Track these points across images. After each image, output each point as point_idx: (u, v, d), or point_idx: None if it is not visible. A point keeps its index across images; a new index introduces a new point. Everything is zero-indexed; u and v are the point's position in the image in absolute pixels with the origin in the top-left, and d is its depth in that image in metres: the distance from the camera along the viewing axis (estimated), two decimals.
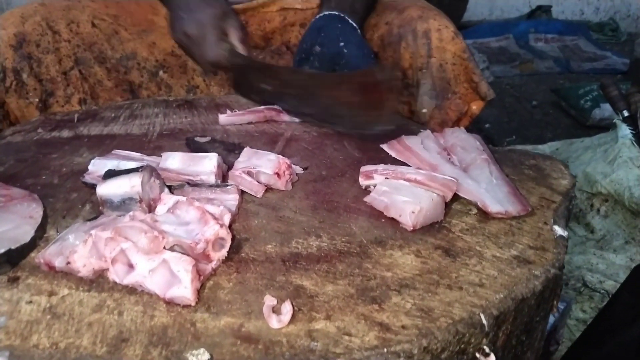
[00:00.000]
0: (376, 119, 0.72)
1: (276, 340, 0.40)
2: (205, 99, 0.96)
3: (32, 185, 0.62)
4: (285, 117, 0.82)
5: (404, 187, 0.57)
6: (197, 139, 0.75)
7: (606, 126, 1.90)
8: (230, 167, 0.63)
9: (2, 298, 0.44)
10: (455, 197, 0.59)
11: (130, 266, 0.45)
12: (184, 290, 0.42)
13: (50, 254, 0.47)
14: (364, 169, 0.61)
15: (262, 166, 0.61)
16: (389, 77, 0.72)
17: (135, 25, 1.01)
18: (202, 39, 0.88)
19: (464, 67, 0.89)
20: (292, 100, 0.82)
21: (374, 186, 0.59)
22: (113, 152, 0.67)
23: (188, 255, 0.45)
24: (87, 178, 0.61)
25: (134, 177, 0.51)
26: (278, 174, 0.60)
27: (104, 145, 0.73)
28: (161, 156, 0.63)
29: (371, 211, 0.57)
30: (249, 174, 0.60)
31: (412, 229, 0.53)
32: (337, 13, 0.87)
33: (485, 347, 0.44)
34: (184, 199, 0.51)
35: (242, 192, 0.59)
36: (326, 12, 0.88)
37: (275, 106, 0.82)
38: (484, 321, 0.43)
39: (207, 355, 0.38)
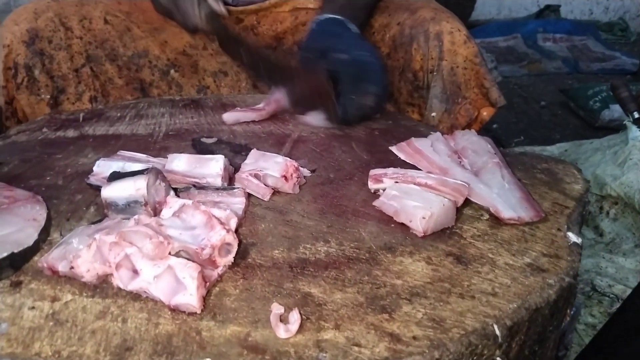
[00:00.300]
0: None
1: (283, 350, 0.39)
2: (211, 98, 0.95)
3: (36, 186, 0.62)
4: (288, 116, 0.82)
5: (414, 192, 0.56)
6: (204, 139, 0.74)
7: (615, 127, 1.88)
8: (237, 169, 0.62)
9: (4, 303, 0.43)
10: (467, 202, 0.57)
11: (135, 272, 0.44)
12: (190, 297, 0.41)
13: (54, 258, 0.46)
14: (373, 172, 0.60)
15: (269, 169, 0.59)
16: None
17: (147, 22, 1.00)
18: (180, 4, 0.89)
19: (475, 71, 0.88)
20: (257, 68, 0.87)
21: (383, 190, 0.58)
22: (118, 153, 0.66)
23: (194, 261, 0.44)
24: (92, 179, 0.60)
25: (139, 180, 0.50)
26: (285, 177, 0.59)
27: (109, 145, 0.73)
28: (167, 157, 0.62)
29: (380, 216, 0.56)
30: (256, 176, 0.59)
31: (422, 234, 0.52)
32: (339, 17, 0.84)
33: (498, 358, 0.43)
34: (190, 202, 0.50)
35: (249, 195, 0.58)
36: (329, 16, 0.85)
37: (277, 98, 0.83)
38: (497, 332, 0.42)
39: None
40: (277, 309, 0.42)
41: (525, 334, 0.45)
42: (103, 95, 0.95)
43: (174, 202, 0.51)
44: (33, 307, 0.43)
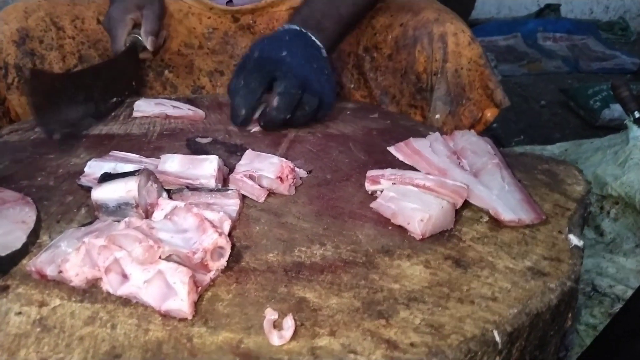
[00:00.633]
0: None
1: (277, 358, 0.38)
2: (207, 98, 0.93)
3: (27, 187, 0.60)
4: None
5: (412, 193, 0.54)
6: (198, 139, 0.73)
7: (616, 127, 1.87)
8: (231, 169, 0.61)
9: None
10: (466, 204, 0.56)
11: (125, 276, 0.43)
12: (180, 303, 0.40)
13: (42, 261, 0.45)
14: (370, 173, 0.59)
15: (264, 170, 0.58)
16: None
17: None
18: (110, 31, 0.91)
19: (480, 73, 0.87)
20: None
21: (381, 191, 0.57)
22: (110, 153, 0.65)
23: (185, 265, 0.42)
24: (83, 180, 0.59)
25: (130, 181, 0.49)
26: (281, 178, 0.58)
27: (102, 145, 0.71)
28: (160, 158, 0.61)
29: (377, 218, 0.55)
30: (251, 177, 0.58)
31: (420, 237, 0.51)
32: (299, 29, 0.79)
33: None
34: (182, 204, 0.48)
35: (244, 197, 0.57)
36: (287, 27, 0.80)
37: None
38: (497, 338, 0.41)
39: None
40: (270, 314, 0.41)
41: (525, 339, 0.44)
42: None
43: (165, 204, 0.49)
44: (20, 313, 0.42)
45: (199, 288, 0.43)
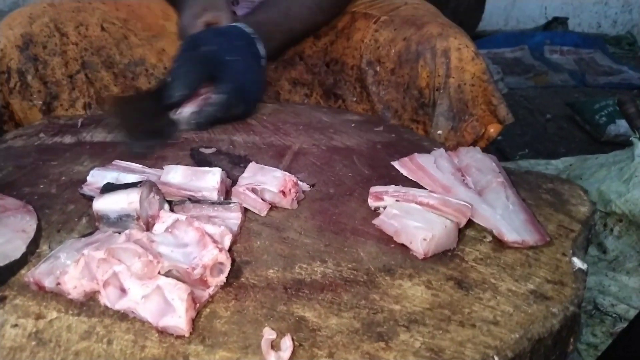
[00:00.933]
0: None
1: None
2: None
3: (29, 194, 0.60)
4: None
5: (415, 211, 0.54)
6: (202, 150, 0.73)
7: (621, 142, 1.86)
8: (234, 181, 0.60)
9: None
10: (469, 223, 0.56)
11: (123, 290, 0.42)
12: (178, 320, 0.40)
13: (41, 273, 0.45)
14: (373, 189, 0.58)
15: (267, 183, 0.58)
16: None
17: (145, 30, 0.99)
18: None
19: (483, 88, 0.86)
20: None
21: (384, 208, 0.57)
22: (114, 162, 0.64)
23: (184, 280, 0.42)
24: (86, 189, 0.59)
25: (132, 193, 0.49)
26: (283, 192, 0.57)
27: (105, 153, 0.71)
28: (163, 168, 0.61)
29: (380, 235, 0.54)
30: (254, 191, 0.58)
31: (423, 257, 0.51)
32: (250, 35, 0.83)
33: None
34: (184, 218, 0.48)
35: (246, 210, 0.57)
36: (241, 26, 0.83)
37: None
38: None
39: None
40: (269, 334, 0.40)
41: None
42: (97, 103, 0.94)
43: (167, 217, 0.49)
44: (16, 325, 0.41)
45: (197, 304, 0.42)
